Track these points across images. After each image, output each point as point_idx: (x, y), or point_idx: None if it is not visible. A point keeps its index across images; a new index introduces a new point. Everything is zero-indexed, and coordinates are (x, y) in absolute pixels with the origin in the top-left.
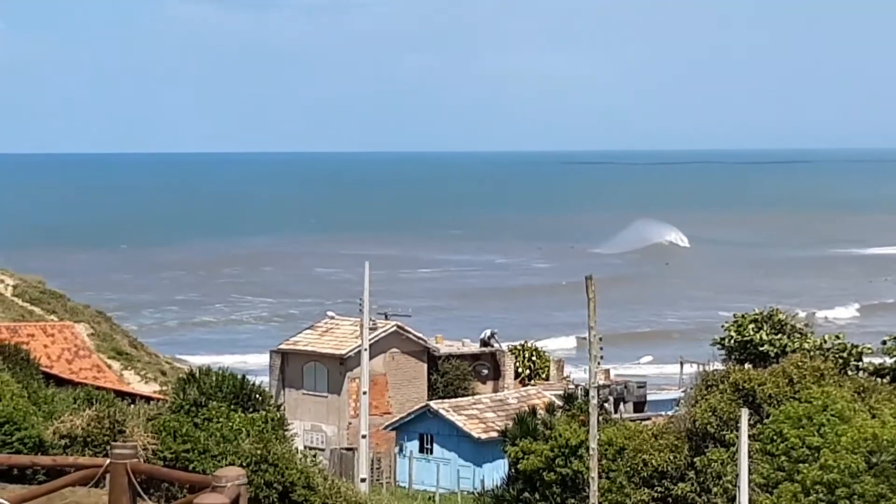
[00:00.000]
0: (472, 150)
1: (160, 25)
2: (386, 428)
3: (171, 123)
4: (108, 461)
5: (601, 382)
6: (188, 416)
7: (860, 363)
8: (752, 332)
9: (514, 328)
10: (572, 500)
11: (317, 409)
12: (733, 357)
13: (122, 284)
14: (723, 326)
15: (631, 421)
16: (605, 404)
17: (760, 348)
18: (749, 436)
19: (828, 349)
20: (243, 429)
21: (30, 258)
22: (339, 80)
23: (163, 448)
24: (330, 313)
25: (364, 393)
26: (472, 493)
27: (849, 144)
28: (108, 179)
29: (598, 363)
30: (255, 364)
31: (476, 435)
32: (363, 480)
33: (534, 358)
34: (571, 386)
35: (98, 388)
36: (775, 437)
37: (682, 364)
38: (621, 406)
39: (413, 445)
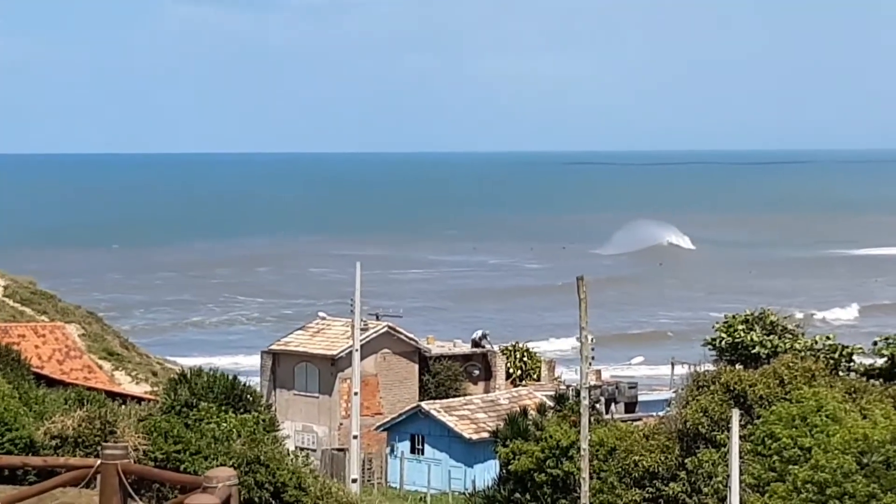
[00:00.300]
0: (470, 150)
1: (159, 26)
2: (377, 428)
3: (170, 124)
4: (98, 462)
5: (592, 383)
6: (179, 417)
7: (851, 364)
8: (743, 334)
9: (508, 329)
10: (563, 501)
11: (308, 410)
12: (724, 358)
13: (115, 285)
14: (714, 327)
15: (622, 421)
16: (597, 405)
17: (752, 349)
18: (740, 436)
19: (818, 350)
20: (234, 429)
21: (22, 259)
22: (337, 81)
23: (154, 449)
24: (321, 314)
25: (355, 393)
26: (464, 493)
27: (847, 145)
28: (106, 180)
29: (590, 364)
30: (247, 365)
31: (467, 435)
32: (354, 481)
33: (525, 359)
34: (562, 387)
35: (89, 388)
36: (767, 438)
37: (673, 365)
38: (612, 407)
39: (404, 446)
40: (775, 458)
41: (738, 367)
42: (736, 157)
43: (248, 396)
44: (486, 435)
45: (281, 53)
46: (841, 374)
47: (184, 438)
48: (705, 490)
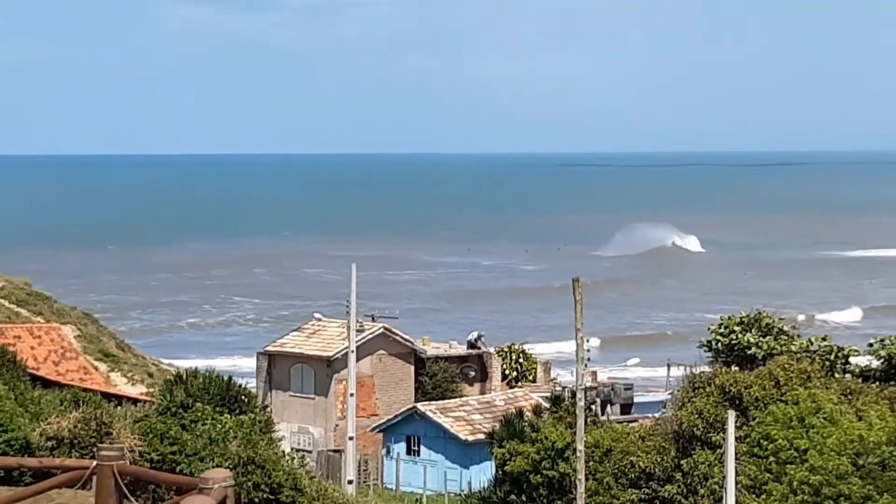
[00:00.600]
0: (468, 151)
1: (158, 26)
2: (373, 430)
3: (169, 125)
4: (94, 463)
5: (588, 384)
6: (175, 418)
7: (847, 365)
8: (739, 335)
9: (504, 330)
10: (559, 502)
11: (304, 411)
12: (720, 359)
13: (111, 286)
14: (709, 329)
15: (618, 423)
16: (592, 406)
17: (748, 351)
18: (736, 438)
19: (814, 351)
20: (230, 431)
21: (18, 259)
22: (336, 81)
23: (150, 450)
24: (317, 315)
25: (351, 395)
26: (459, 495)
27: (846, 146)
28: (104, 181)
29: (586, 365)
30: (245, 366)
31: (463, 437)
32: (350, 482)
33: (521, 360)
34: (558, 388)
35: (85, 389)
36: (762, 439)
37: (668, 366)
38: (608, 408)
39: (400, 447)
40: (771, 459)
41: (733, 368)
42: (735, 159)
43: (244, 398)
44: (481, 436)
45: (280, 54)
46: (836, 375)
47: (180, 440)
48: (701, 491)
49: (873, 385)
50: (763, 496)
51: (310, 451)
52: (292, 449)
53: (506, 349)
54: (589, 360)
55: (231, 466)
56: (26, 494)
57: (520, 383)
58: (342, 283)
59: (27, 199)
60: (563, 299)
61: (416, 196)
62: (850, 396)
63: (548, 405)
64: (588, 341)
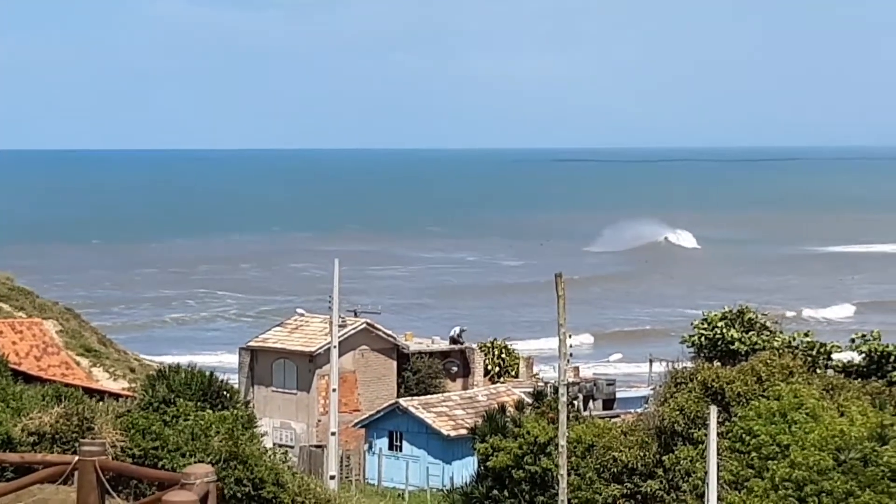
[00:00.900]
0: (459, 147)
1: (148, 22)
2: (355, 425)
3: (158, 120)
4: (76, 458)
5: (570, 380)
6: (157, 414)
7: (829, 361)
8: (722, 330)
9: (489, 325)
10: (541, 498)
11: (286, 407)
12: (702, 355)
13: (95, 281)
14: (692, 324)
15: (600, 418)
16: (575, 402)
17: (731, 346)
18: (718, 433)
19: (796, 347)
20: (213, 426)
21: (1, 254)
22: (326, 78)
23: (132, 445)
24: (300, 310)
25: (333, 390)
26: (442, 490)
27: (833, 142)
28: (91, 176)
29: (568, 361)
30: (227, 362)
31: (445, 432)
32: (332, 478)
33: (503, 355)
34: (541, 383)
35: (67, 385)
36: (745, 435)
37: (651, 362)
38: (590, 403)
39: (382, 443)
40: (753, 454)
41: (715, 364)
42: (724, 154)
43: (226, 393)
44: (464, 432)
45: (270, 50)
46: (819, 371)
47: (162, 435)
48: (683, 487)
49: (855, 381)
50: (744, 492)
51: (292, 447)
52: (274, 444)
53: (488, 345)
54: (571, 355)
55: (213, 462)
56: (8, 490)
57: (502, 379)
58: (326, 278)
59: (12, 194)
60: (546, 295)
61: (403, 191)
62: (832, 392)
63: (530, 401)
64: (570, 337)
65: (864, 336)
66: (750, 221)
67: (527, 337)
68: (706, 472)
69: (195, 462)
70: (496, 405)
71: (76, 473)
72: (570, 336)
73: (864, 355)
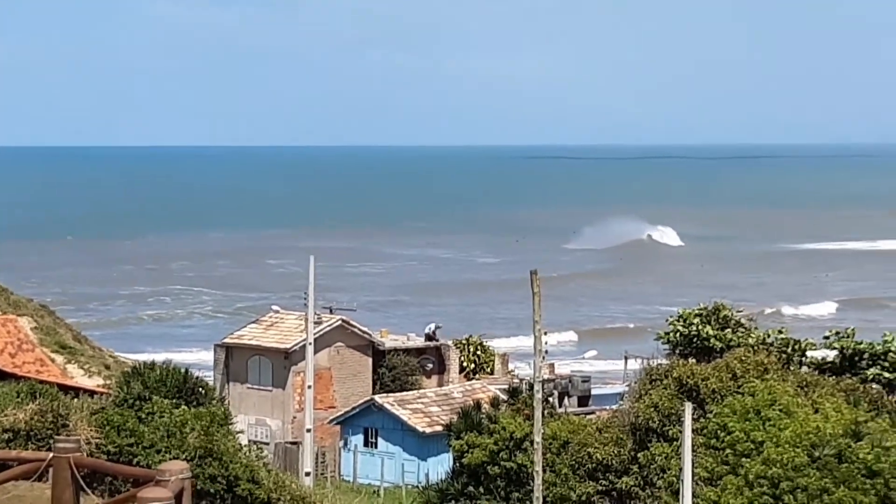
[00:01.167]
0: (437, 144)
1: (127, 18)
2: (331, 422)
3: (134, 117)
4: (51, 455)
5: (546, 377)
6: (132, 411)
7: (804, 358)
8: (698, 327)
9: (466, 323)
10: (517, 494)
11: (261, 404)
12: (678, 352)
13: (70, 277)
14: (668, 321)
15: (575, 415)
16: (550, 398)
17: (707, 343)
18: (692, 430)
19: (771, 344)
20: (188, 423)
21: None
22: (304, 75)
23: (107, 442)
24: (275, 307)
25: (309, 387)
26: (417, 487)
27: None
28: (66, 172)
29: (543, 358)
30: (203, 359)
31: (421, 429)
32: (308, 474)
33: (478, 352)
34: (516, 380)
35: (41, 381)
36: (719, 431)
37: (626, 359)
38: (566, 400)
39: (358, 439)
40: (728, 451)
41: (690, 360)
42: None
43: (201, 390)
44: (439, 428)
45: (252, 46)
46: (793, 368)
47: (137, 432)
48: (658, 483)
49: (830, 377)
50: (719, 489)
51: (267, 444)
52: (250, 441)
53: (463, 341)
54: (547, 352)
55: (188, 458)
56: None
57: (477, 375)
58: (302, 274)
59: None
60: (525, 292)
61: (379, 188)
62: (806, 389)
63: (505, 397)
64: (546, 334)
65: (837, 333)
66: (735, 219)
67: (503, 334)
68: (681, 469)
69: (170, 459)
70: (471, 402)
71: (51, 470)
72: (546, 333)
73: (837, 352)
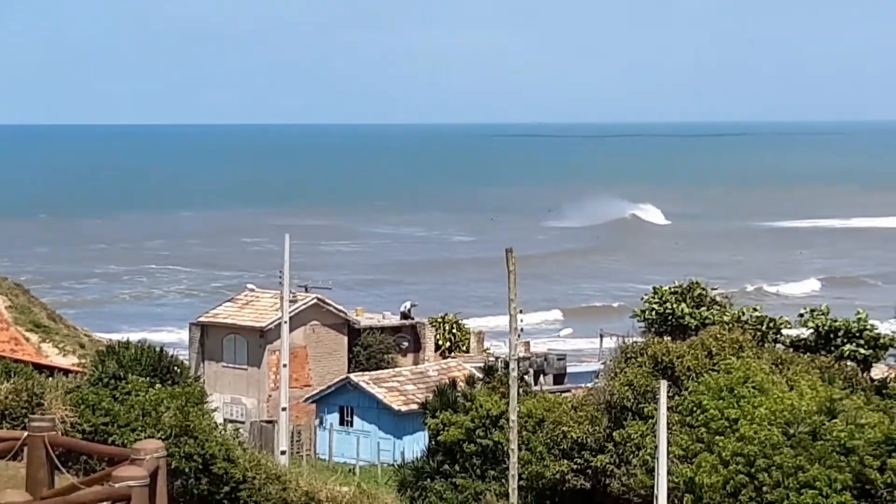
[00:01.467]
0: (410, 122)
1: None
2: (306, 400)
3: (104, 95)
4: (25, 434)
5: (521, 355)
6: (107, 390)
7: (778, 336)
8: (673, 305)
9: (441, 301)
10: (492, 472)
11: (237, 382)
12: (653, 329)
13: (43, 256)
14: (642, 299)
15: (550, 393)
16: (525, 376)
17: (682, 320)
18: (668, 408)
19: (746, 322)
20: (163, 402)
21: None
22: (271, 52)
23: (82, 421)
24: (250, 286)
25: (284, 365)
26: (393, 465)
27: (787, 117)
28: (37, 151)
29: (518, 336)
30: (179, 338)
31: (396, 407)
32: (283, 453)
33: (454, 330)
34: (491, 358)
35: (16, 360)
36: (695, 409)
37: (601, 337)
38: (541, 378)
39: (333, 418)
40: (703, 429)
41: (666, 338)
42: (678, 129)
43: (177, 368)
44: (415, 406)
45: (214, 24)
46: (768, 345)
47: (112, 411)
48: (634, 461)
49: (805, 355)
50: (694, 466)
51: (243, 422)
52: (225, 420)
53: (439, 320)
54: (522, 330)
55: (163, 437)
56: None
57: (453, 354)
58: (277, 253)
59: None
60: (500, 271)
61: (352, 167)
62: (781, 366)
63: (481, 375)
64: (522, 312)
65: (813, 311)
66: (710, 196)
67: (479, 313)
68: (656, 447)
69: (146, 438)
70: (447, 380)
71: (26, 449)
72: (521, 311)
73: (812, 330)
